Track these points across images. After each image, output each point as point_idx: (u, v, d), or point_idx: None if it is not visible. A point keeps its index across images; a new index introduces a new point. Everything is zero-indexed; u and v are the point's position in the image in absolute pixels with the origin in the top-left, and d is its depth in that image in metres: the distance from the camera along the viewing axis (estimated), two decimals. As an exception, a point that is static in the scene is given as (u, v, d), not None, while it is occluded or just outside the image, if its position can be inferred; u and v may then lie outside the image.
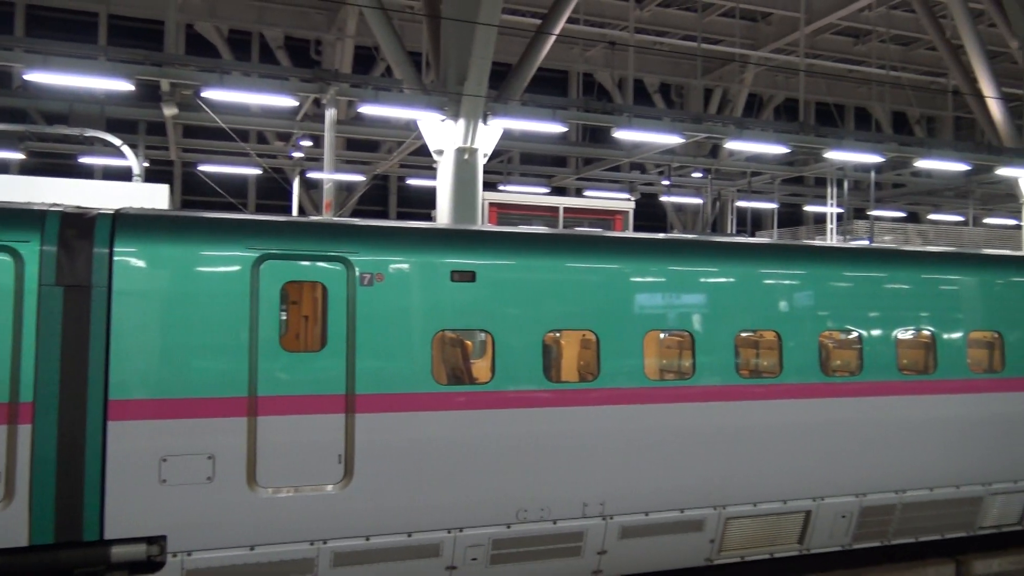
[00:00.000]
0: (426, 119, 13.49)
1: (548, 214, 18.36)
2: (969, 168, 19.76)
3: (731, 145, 17.53)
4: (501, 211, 17.83)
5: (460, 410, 6.99)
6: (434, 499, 6.89)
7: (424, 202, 26.25)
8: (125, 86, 12.53)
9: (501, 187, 24.14)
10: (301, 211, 25.55)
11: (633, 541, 7.62)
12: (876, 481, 8.53)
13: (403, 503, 6.81)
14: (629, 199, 21.94)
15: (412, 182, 26.84)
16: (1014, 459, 9.20)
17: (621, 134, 15.92)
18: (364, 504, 6.68)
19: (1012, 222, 27.40)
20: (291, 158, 23.12)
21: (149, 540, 6.20)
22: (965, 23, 19.08)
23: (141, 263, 6.30)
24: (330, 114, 13.11)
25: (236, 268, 6.50)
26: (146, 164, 20.88)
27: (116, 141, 15.61)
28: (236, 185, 26.48)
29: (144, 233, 6.38)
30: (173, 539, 6.22)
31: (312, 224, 7.03)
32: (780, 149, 17.40)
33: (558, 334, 8.27)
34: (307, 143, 21.00)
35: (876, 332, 8.56)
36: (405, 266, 6.96)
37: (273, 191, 26.63)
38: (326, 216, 12.78)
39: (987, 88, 19.24)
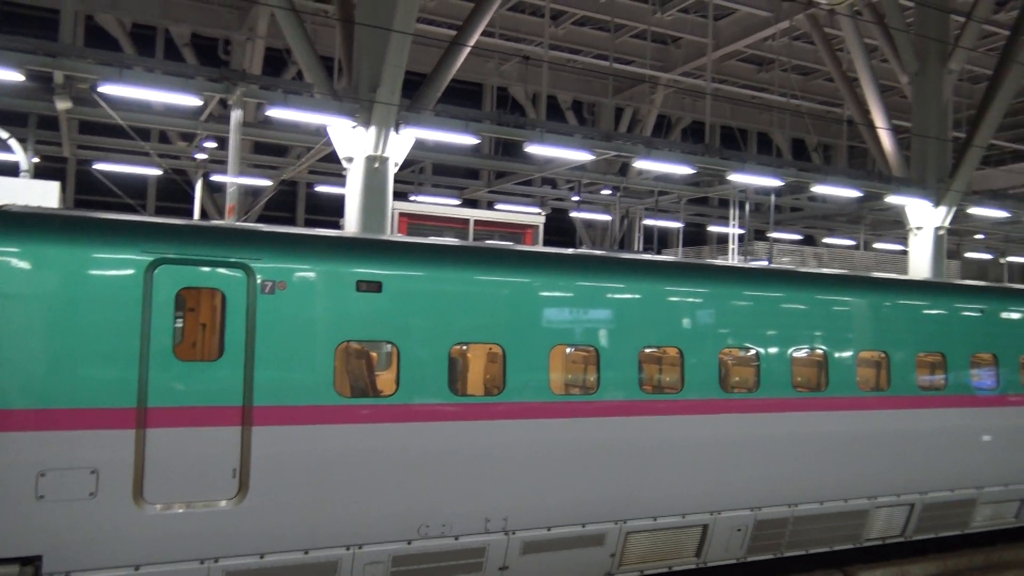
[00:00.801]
0: (336, 125, 13.26)
1: (458, 226, 18.32)
2: (861, 195, 20.73)
3: (639, 164, 17.87)
4: (411, 221, 17.70)
5: (362, 423, 6.85)
6: (333, 515, 6.72)
7: (333, 210, 25.78)
8: (15, 76, 11.85)
9: (412, 197, 23.96)
10: (204, 215, 24.71)
11: (535, 556, 7.61)
12: (770, 495, 8.78)
13: (300, 519, 6.61)
14: (540, 213, 22.11)
15: (321, 189, 26.33)
16: (897, 473, 9.63)
17: (533, 149, 16.03)
18: (259, 520, 6.45)
19: (899, 247, 28.91)
20: (194, 159, 22.36)
21: (23, 561, 5.81)
22: (860, 57, 20.07)
23: (24, 264, 5.93)
24: (236, 115, 12.73)
25: (128, 272, 6.20)
26: (36, 160, 19.81)
27: (3, 134, 14.74)
28: (135, 186, 25.43)
29: (28, 232, 6.02)
30: (49, 559, 5.85)
31: (211, 228, 6.78)
32: (686, 169, 17.87)
33: (465, 347, 8.21)
34: (211, 144, 20.34)
35: (773, 350, 8.84)
36: (309, 274, 6.78)
37: (175, 193, 25.68)
38: (228, 221, 12.38)
39: (879, 119, 20.26)
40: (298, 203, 30.09)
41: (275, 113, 13.18)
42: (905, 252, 21.99)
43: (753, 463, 8.65)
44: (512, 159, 23.83)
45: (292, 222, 29.45)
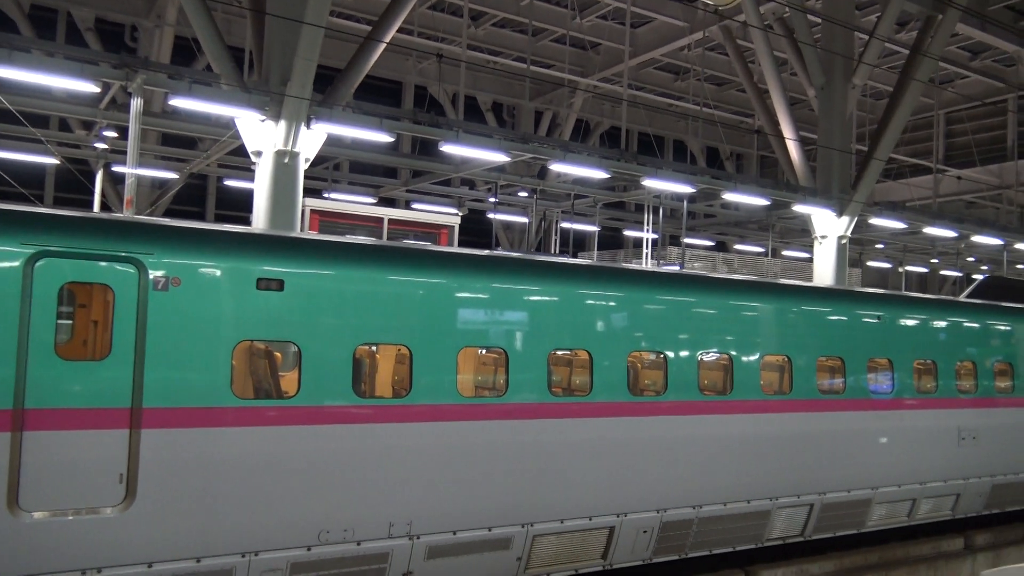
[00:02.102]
0: (245, 118, 12.84)
1: (372, 224, 18.01)
2: (769, 203, 21.30)
3: (556, 167, 17.93)
4: (324, 219, 17.31)
5: (261, 426, 6.60)
6: (228, 521, 6.45)
7: (244, 205, 24.98)
8: None
9: (327, 194, 23.48)
10: (105, 208, 23.68)
11: (440, 561, 7.48)
12: (676, 497, 8.87)
13: (193, 526, 6.32)
14: (456, 214, 21.96)
15: (232, 183, 25.53)
16: (797, 475, 9.88)
17: (448, 148, 15.88)
18: (148, 528, 6.13)
19: (805, 255, 29.88)
20: (95, 149, 21.39)
21: None
22: (770, 70, 20.63)
23: None
24: (135, 104, 12.17)
25: (6, 265, 5.81)
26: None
27: None
28: (32, 175, 24.19)
29: None
30: (-91, 573, 5.43)
31: (99, 220, 6.42)
32: (602, 174, 18.00)
33: (372, 348, 8.03)
34: (111, 134, 19.45)
35: (680, 354, 8.94)
36: (206, 271, 6.50)
37: (75, 184, 24.50)
38: (125, 214, 11.83)
39: (787, 131, 20.86)
40: (208, 197, 29.14)
41: (180, 103, 12.66)
42: (810, 260, 22.68)
43: (659, 465, 8.72)
44: (430, 158, 23.63)
45: (202, 217, 28.52)
